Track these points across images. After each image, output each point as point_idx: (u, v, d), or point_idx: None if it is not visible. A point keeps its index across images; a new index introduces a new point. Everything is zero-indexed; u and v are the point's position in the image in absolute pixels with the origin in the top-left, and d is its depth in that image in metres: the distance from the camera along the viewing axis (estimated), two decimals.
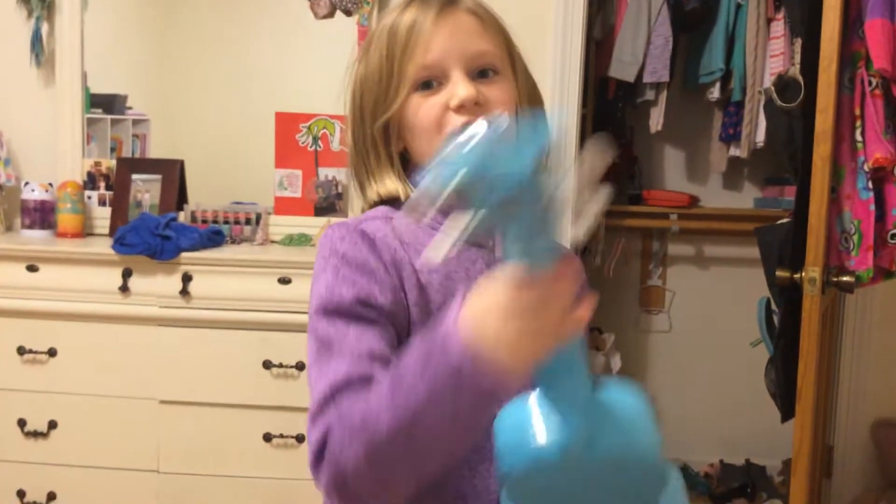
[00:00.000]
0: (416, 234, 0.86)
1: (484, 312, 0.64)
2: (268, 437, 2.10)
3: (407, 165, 0.92)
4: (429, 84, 0.86)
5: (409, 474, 0.71)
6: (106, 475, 2.15)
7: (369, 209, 0.93)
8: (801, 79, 1.72)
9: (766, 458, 3.07)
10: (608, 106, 2.99)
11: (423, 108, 0.85)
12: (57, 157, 2.48)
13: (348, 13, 2.41)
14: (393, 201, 0.91)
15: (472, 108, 0.84)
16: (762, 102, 2.58)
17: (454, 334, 0.65)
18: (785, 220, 2.17)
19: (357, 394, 0.73)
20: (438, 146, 0.72)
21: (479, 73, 0.86)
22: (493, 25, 0.89)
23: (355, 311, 0.80)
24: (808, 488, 1.83)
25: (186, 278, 2.10)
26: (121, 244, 2.10)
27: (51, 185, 2.41)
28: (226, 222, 2.40)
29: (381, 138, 0.90)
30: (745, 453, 3.13)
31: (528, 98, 0.91)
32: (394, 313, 0.82)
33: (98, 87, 2.54)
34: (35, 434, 2.15)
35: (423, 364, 0.66)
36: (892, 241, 1.72)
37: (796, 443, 1.76)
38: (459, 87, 0.84)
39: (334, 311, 0.80)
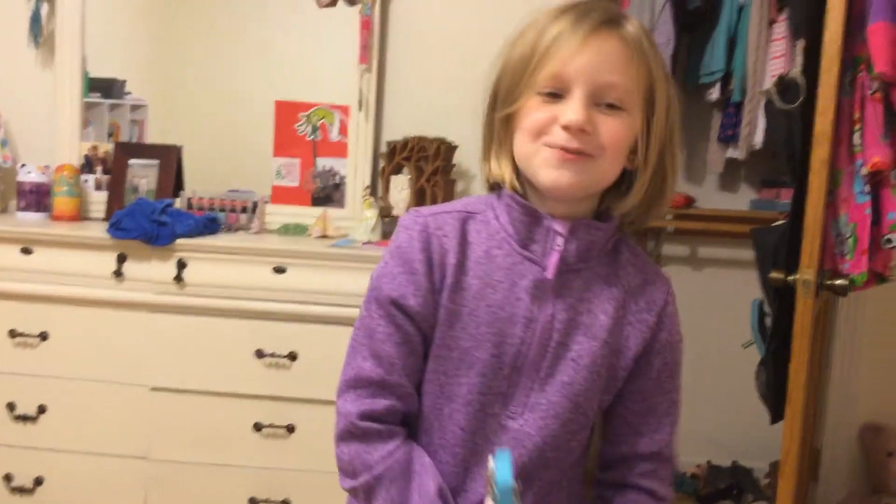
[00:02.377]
0: (482, 237, 0.92)
1: None
2: (258, 427, 2.10)
3: None
4: (552, 94, 0.87)
5: None
6: (94, 461, 2.14)
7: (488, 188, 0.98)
8: (802, 80, 1.72)
9: (752, 460, 3.08)
10: None
11: (536, 112, 0.87)
12: (54, 139, 2.47)
13: (351, 2, 2.41)
14: (498, 186, 0.95)
15: (577, 133, 0.85)
16: (762, 104, 2.58)
17: None
18: (780, 223, 2.18)
19: (370, 410, 0.91)
20: (532, 147, 0.87)
21: (604, 104, 0.87)
22: (640, 60, 0.87)
23: (388, 310, 0.91)
24: (794, 491, 1.83)
25: (181, 265, 2.09)
26: (116, 229, 2.09)
27: (47, 167, 2.40)
28: (222, 210, 2.39)
29: (502, 127, 0.93)
30: (732, 455, 3.14)
31: (658, 141, 0.89)
32: (422, 314, 0.91)
33: (97, 71, 2.53)
34: (24, 418, 2.14)
35: None
36: (887, 246, 1.73)
37: (785, 445, 1.76)
38: (571, 110, 0.85)
39: (375, 300, 0.92)
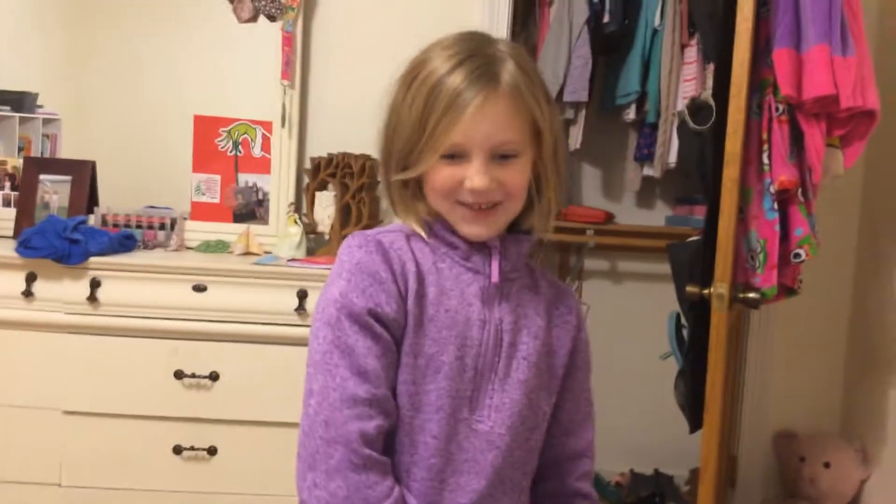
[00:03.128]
0: (426, 253, 0.97)
1: None
2: (178, 450, 2.04)
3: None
4: (453, 155, 0.94)
5: None
6: (5, 489, 2.04)
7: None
8: (712, 102, 1.79)
9: (673, 467, 3.17)
10: None
11: (443, 175, 0.94)
12: None
13: (272, 18, 2.39)
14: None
15: (483, 193, 0.94)
16: (675, 124, 2.67)
17: None
18: (695, 238, 2.25)
19: (363, 432, 0.88)
20: (446, 206, 0.96)
21: (500, 156, 0.94)
22: (523, 107, 0.94)
23: (365, 322, 0.91)
24: (713, 497, 1.89)
25: (95, 284, 2.02)
26: (25, 247, 2.01)
27: None
28: (139, 226, 2.32)
29: (405, 188, 0.99)
30: (654, 463, 3.21)
31: (548, 160, 0.99)
32: (396, 321, 0.93)
33: (7, 84, 2.44)
34: None
35: None
36: (796, 260, 1.81)
37: (704, 453, 1.82)
38: (476, 177, 0.93)
39: (348, 316, 0.91)
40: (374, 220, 2.36)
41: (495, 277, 0.97)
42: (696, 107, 1.90)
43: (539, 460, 1.02)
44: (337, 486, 0.86)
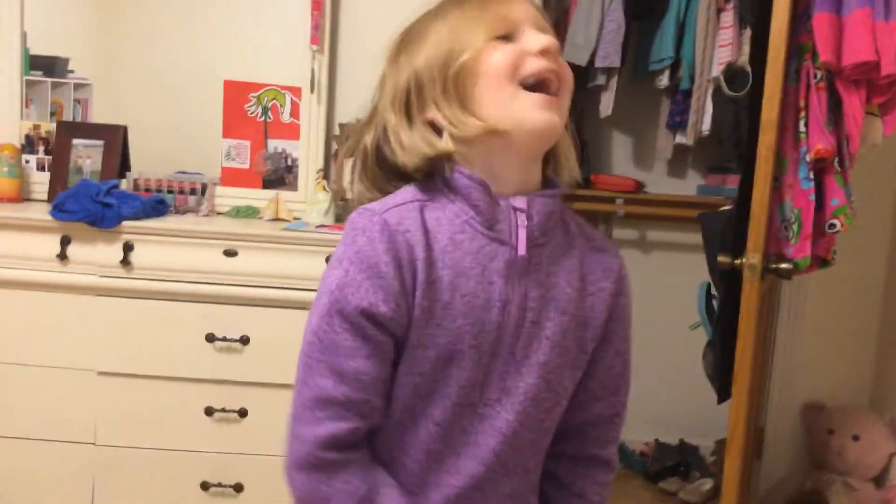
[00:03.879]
0: (443, 224, 0.86)
1: None
2: (209, 411, 2.07)
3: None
4: (506, 37, 0.85)
5: None
6: (41, 447, 2.10)
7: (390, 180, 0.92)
8: (749, 68, 1.75)
9: (699, 438, 3.16)
10: None
11: (500, 52, 0.84)
12: None
13: None
14: (423, 174, 0.89)
15: (552, 54, 0.84)
16: (710, 91, 2.63)
17: None
18: (727, 208, 2.23)
19: (335, 434, 0.83)
20: (509, 93, 0.82)
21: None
22: (549, 23, 0.90)
23: (357, 322, 0.83)
24: (740, 468, 1.89)
25: (128, 248, 2.05)
26: (59, 210, 2.03)
27: None
28: (170, 191, 2.34)
29: (441, 97, 0.86)
30: (679, 433, 3.21)
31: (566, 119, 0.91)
32: (395, 320, 0.83)
33: (39, 49, 2.45)
34: None
35: None
36: (830, 231, 1.78)
37: (731, 424, 1.81)
38: (538, 38, 0.84)
39: (339, 312, 0.83)
40: None
41: (522, 250, 0.85)
42: (731, 73, 1.86)
43: (563, 424, 0.95)
44: (301, 481, 0.85)
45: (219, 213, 2.36)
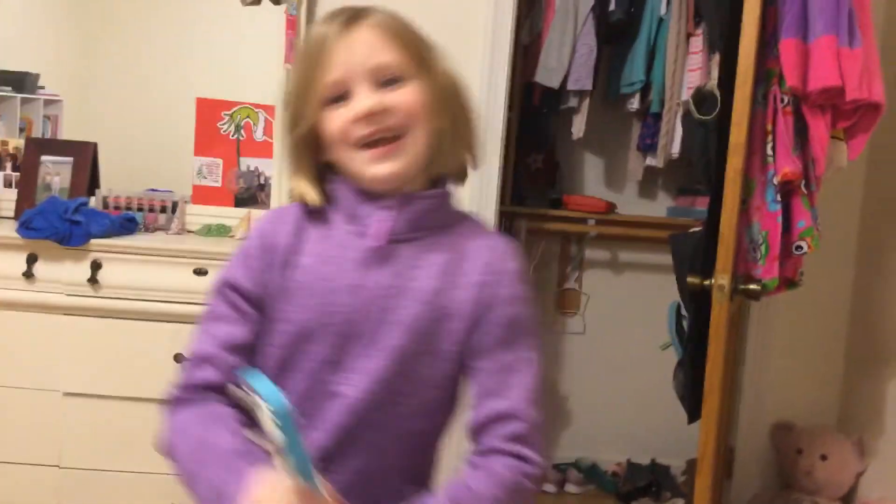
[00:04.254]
0: (320, 222, 1.00)
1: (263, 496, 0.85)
2: None
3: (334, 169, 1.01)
4: (338, 98, 0.94)
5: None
6: (4, 469, 2.06)
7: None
8: (718, 92, 1.78)
9: (670, 457, 3.18)
10: (533, 111, 3.04)
11: (333, 121, 0.94)
12: None
13: (276, 1, 2.37)
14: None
15: (373, 118, 0.93)
16: (679, 114, 2.67)
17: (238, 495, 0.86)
18: (696, 229, 2.25)
19: (192, 375, 0.98)
20: (348, 155, 0.95)
21: (385, 83, 0.94)
22: (398, 36, 0.95)
23: (223, 292, 1.00)
24: (711, 487, 1.90)
25: (96, 266, 2.02)
26: (26, 228, 2.01)
27: None
28: (140, 209, 2.32)
29: (304, 146, 0.99)
30: (651, 453, 3.22)
31: (447, 97, 0.97)
32: (252, 292, 0.99)
33: (8, 65, 2.42)
34: None
35: (216, 480, 0.90)
36: (798, 252, 1.81)
37: (701, 443, 1.82)
38: (356, 103, 0.92)
39: (217, 286, 1.02)
40: None
41: (373, 241, 0.96)
42: (700, 97, 1.89)
43: (468, 423, 0.98)
44: (163, 414, 1.01)
45: (189, 232, 2.34)
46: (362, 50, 0.92)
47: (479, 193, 2.45)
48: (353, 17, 0.95)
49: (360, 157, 0.94)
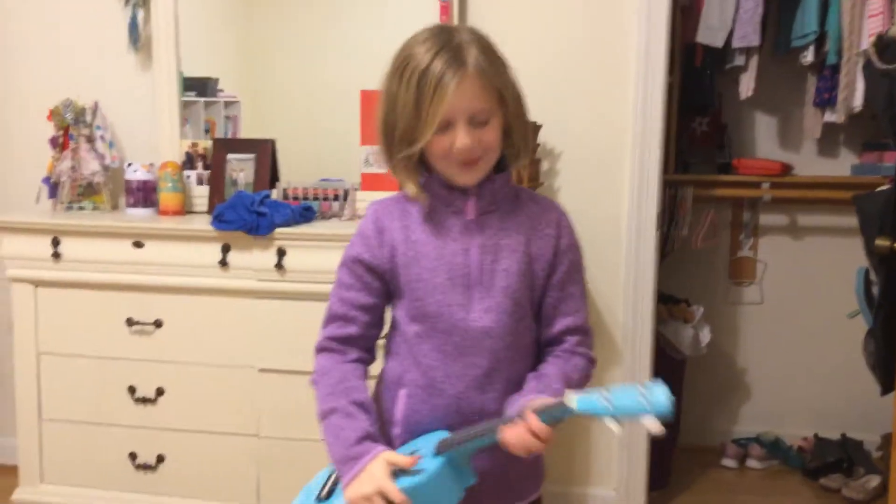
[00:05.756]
0: (420, 209, 1.29)
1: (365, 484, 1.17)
2: None
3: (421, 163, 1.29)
4: (443, 128, 1.21)
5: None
6: (209, 439, 2.27)
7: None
8: None
9: (863, 432, 2.99)
10: (696, 73, 2.93)
11: (438, 144, 1.22)
12: (156, 138, 2.59)
13: None
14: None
15: (468, 150, 1.21)
16: (860, 64, 2.48)
17: (364, 458, 1.19)
18: (885, 188, 2.09)
19: (333, 330, 1.31)
20: (444, 165, 1.24)
21: (477, 123, 1.22)
22: (490, 84, 1.22)
23: (349, 266, 1.30)
24: None
25: (281, 253, 2.18)
26: (219, 221, 2.19)
27: (152, 165, 2.53)
28: (315, 198, 2.46)
29: (406, 156, 1.25)
30: (840, 427, 3.05)
31: (513, 118, 1.26)
32: (375, 265, 1.29)
33: (191, 71, 2.64)
34: (144, 400, 2.29)
35: (343, 442, 1.22)
36: None
37: None
38: (459, 138, 1.21)
39: (341, 264, 1.31)
40: (534, 183, 2.37)
41: (469, 215, 1.27)
42: (883, 44, 1.75)
43: (542, 336, 1.32)
44: (316, 360, 1.32)
45: (360, 217, 2.45)
46: (467, 96, 1.19)
47: (639, 163, 2.40)
48: (460, 62, 1.19)
49: (452, 168, 1.24)
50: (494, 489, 1.29)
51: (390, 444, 1.27)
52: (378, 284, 1.30)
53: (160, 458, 2.30)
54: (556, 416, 1.08)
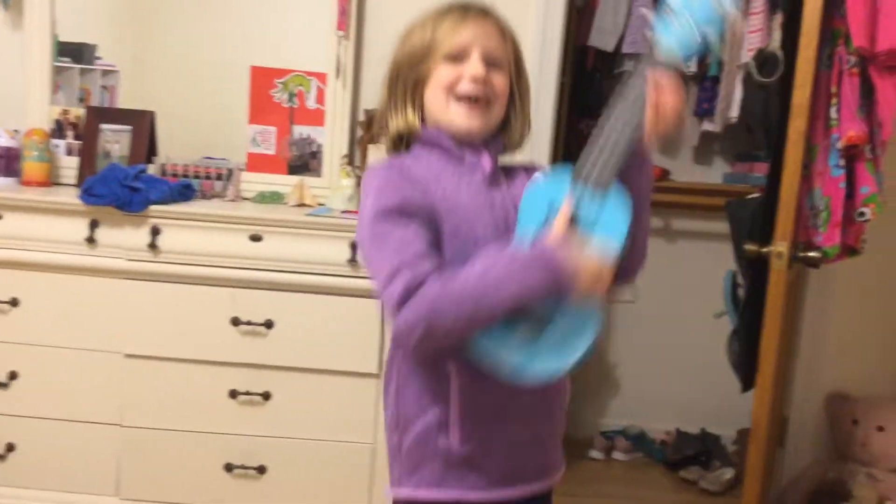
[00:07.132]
0: (432, 164, 1.20)
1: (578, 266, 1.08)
2: (234, 394, 2.09)
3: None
4: (456, 58, 1.17)
5: (471, 325, 1.09)
6: (68, 427, 2.13)
7: (391, 147, 1.27)
8: (780, 54, 1.73)
9: (720, 427, 3.15)
10: (586, 76, 2.99)
11: (445, 71, 1.17)
12: (23, 103, 2.41)
13: None
14: (403, 140, 1.25)
15: (479, 80, 1.17)
16: (739, 77, 2.60)
17: (552, 254, 1.08)
18: (755, 196, 2.21)
19: (416, 270, 1.07)
20: (446, 105, 1.18)
21: (491, 64, 1.18)
22: (511, 41, 1.23)
23: (396, 217, 1.11)
24: (763, 457, 1.88)
25: (155, 231, 2.07)
26: (88, 194, 2.06)
27: (17, 131, 2.35)
28: (196, 177, 2.36)
29: (410, 90, 1.21)
30: (700, 422, 3.20)
31: (520, 97, 1.24)
32: (424, 208, 1.14)
33: (67, 36, 2.47)
34: None
35: (520, 261, 1.08)
36: (860, 219, 1.76)
37: (755, 412, 1.80)
38: (473, 65, 1.17)
39: (382, 217, 1.12)
40: None
41: (488, 168, 1.21)
42: (763, 58, 1.84)
43: None
44: (409, 310, 1.07)
45: (244, 199, 2.38)
46: (488, 33, 1.18)
47: (530, 158, 2.42)
48: (484, 10, 1.20)
49: (456, 109, 1.18)
50: (540, 460, 1.25)
51: (447, 443, 1.17)
52: (425, 221, 1.13)
53: (10, 447, 2.14)
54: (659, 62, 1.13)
